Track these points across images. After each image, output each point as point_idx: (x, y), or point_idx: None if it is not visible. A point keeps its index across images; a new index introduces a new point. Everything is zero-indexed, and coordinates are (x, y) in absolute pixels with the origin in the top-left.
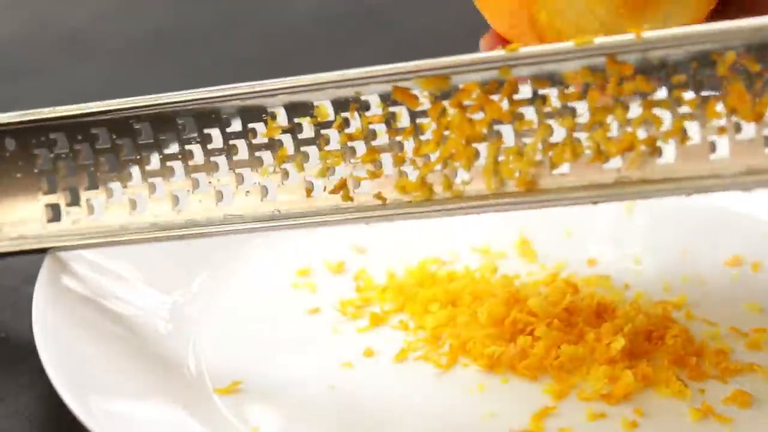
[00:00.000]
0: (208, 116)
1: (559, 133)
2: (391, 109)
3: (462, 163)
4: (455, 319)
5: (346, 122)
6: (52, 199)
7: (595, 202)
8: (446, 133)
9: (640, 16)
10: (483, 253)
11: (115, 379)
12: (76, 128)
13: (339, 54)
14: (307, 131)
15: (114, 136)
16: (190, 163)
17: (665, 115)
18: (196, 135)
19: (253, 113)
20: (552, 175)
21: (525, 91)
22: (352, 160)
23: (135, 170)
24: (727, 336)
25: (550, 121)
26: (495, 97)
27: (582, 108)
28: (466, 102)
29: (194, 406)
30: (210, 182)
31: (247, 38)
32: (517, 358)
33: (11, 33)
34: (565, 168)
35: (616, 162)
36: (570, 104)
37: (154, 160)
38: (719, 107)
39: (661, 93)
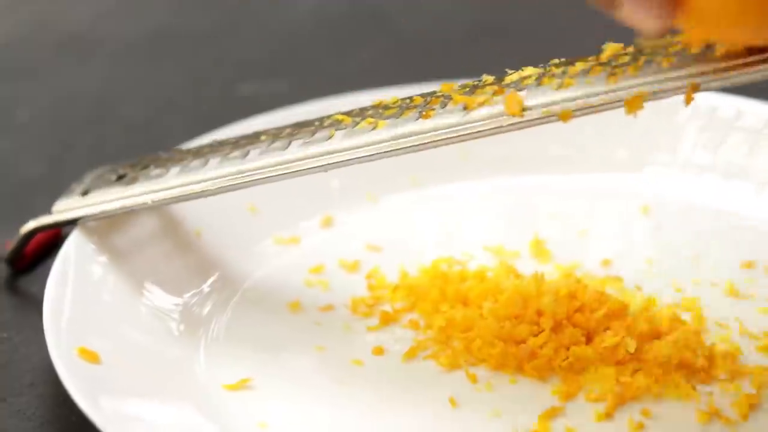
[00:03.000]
0: None
1: None
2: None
3: None
4: (465, 319)
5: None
6: None
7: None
8: None
9: None
10: (496, 253)
11: (124, 378)
12: None
13: (340, 53)
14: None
15: None
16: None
17: None
18: None
19: None
20: None
21: None
22: None
23: None
24: (738, 339)
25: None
26: None
27: None
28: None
29: (203, 402)
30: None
31: (247, 38)
32: (525, 359)
33: (11, 33)
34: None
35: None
36: None
37: None
38: None
39: None
